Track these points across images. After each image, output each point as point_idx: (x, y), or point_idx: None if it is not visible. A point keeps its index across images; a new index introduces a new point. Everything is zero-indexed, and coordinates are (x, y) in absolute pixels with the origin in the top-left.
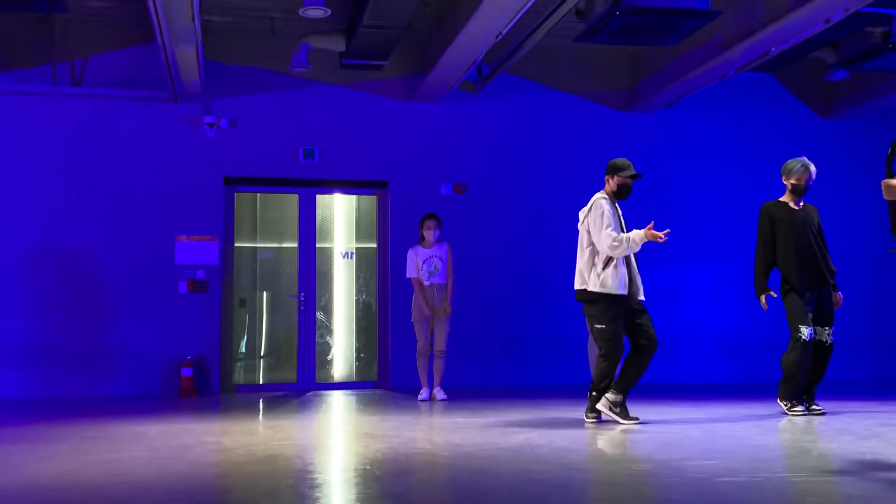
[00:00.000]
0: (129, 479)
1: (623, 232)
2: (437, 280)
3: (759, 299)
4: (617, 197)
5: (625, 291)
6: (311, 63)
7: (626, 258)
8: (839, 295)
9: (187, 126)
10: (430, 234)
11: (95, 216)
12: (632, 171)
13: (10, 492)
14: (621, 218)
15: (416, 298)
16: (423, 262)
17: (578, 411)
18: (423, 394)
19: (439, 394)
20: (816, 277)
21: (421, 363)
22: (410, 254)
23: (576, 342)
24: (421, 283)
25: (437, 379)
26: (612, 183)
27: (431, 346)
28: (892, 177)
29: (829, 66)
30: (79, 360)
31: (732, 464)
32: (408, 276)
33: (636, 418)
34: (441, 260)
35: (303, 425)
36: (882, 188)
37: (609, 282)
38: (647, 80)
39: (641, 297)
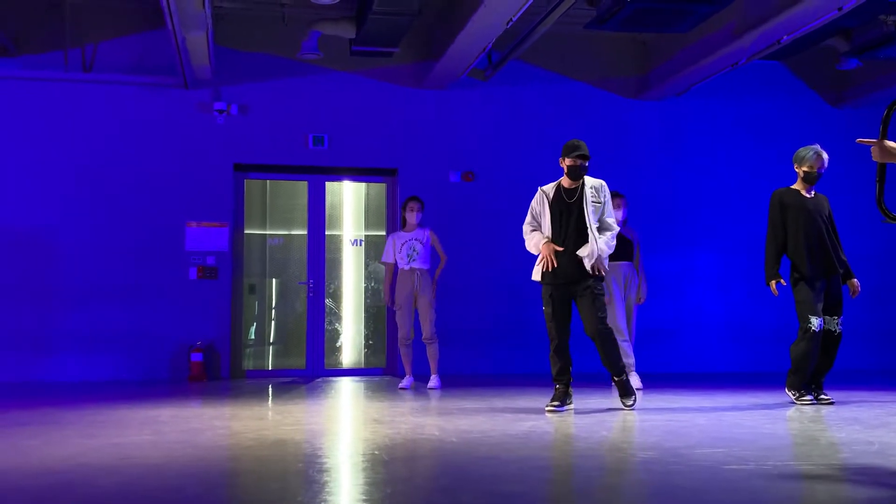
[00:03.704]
0: (138, 462)
1: (556, 221)
2: (417, 265)
3: (769, 286)
4: (570, 178)
5: (537, 278)
6: (320, 50)
7: (560, 242)
8: (856, 282)
9: (197, 112)
10: (412, 217)
11: (106, 202)
12: (579, 152)
13: (18, 474)
14: (586, 202)
15: (385, 284)
16: (402, 246)
17: (586, 399)
18: (405, 382)
19: (432, 381)
20: (826, 266)
21: (404, 352)
22: (390, 238)
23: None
24: (392, 269)
25: (432, 367)
26: (563, 165)
27: (421, 333)
28: (885, 138)
29: (842, 55)
30: (88, 344)
31: (740, 452)
32: (382, 260)
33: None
34: (421, 243)
35: (312, 411)
36: (873, 151)
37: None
38: (659, 68)
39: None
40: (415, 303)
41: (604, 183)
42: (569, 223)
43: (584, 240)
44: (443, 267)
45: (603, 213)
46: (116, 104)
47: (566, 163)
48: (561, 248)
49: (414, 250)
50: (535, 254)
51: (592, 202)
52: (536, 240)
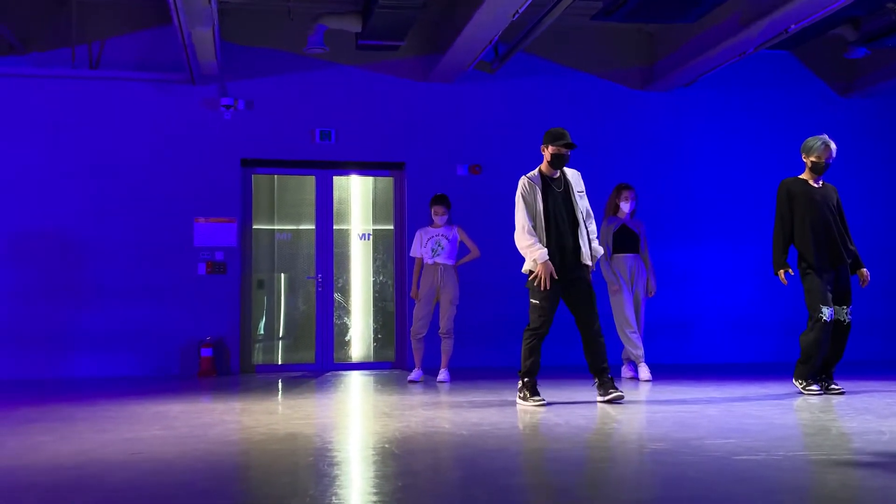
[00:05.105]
0: (149, 457)
1: (550, 209)
2: (441, 259)
3: (776, 275)
4: (551, 167)
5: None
6: (327, 44)
7: (556, 230)
8: (866, 272)
9: (204, 108)
10: (437, 219)
11: (114, 199)
12: (566, 140)
13: (29, 470)
14: (568, 190)
15: (414, 277)
16: (428, 240)
17: (592, 391)
18: (414, 375)
19: (442, 375)
20: (833, 256)
21: (416, 345)
22: (417, 233)
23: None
24: (420, 263)
25: (443, 361)
26: (546, 153)
27: (434, 328)
28: None
29: (850, 44)
30: (98, 341)
31: (750, 442)
32: (410, 254)
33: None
34: (447, 239)
35: (321, 405)
36: None
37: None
38: (665, 59)
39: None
40: (436, 297)
41: (579, 172)
42: (561, 214)
43: (576, 231)
44: (471, 259)
45: (585, 201)
46: (123, 101)
47: (549, 150)
48: (556, 278)
49: (439, 245)
50: (523, 255)
51: (578, 192)
52: (536, 255)
